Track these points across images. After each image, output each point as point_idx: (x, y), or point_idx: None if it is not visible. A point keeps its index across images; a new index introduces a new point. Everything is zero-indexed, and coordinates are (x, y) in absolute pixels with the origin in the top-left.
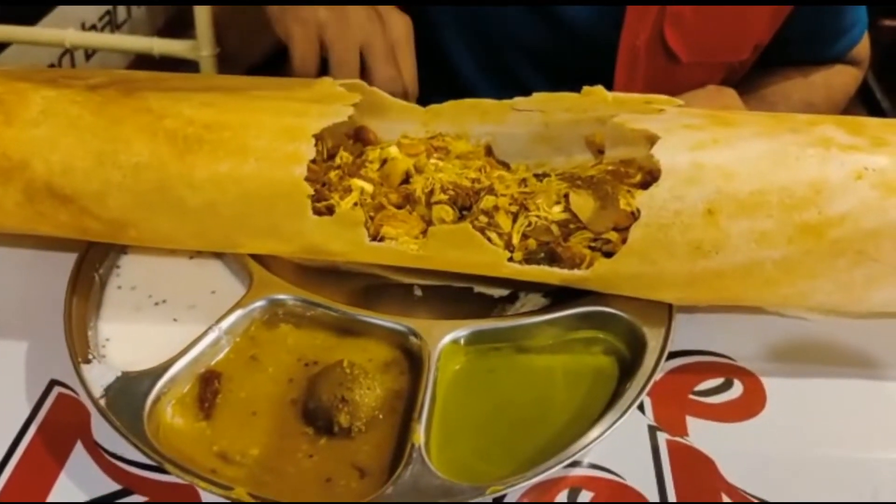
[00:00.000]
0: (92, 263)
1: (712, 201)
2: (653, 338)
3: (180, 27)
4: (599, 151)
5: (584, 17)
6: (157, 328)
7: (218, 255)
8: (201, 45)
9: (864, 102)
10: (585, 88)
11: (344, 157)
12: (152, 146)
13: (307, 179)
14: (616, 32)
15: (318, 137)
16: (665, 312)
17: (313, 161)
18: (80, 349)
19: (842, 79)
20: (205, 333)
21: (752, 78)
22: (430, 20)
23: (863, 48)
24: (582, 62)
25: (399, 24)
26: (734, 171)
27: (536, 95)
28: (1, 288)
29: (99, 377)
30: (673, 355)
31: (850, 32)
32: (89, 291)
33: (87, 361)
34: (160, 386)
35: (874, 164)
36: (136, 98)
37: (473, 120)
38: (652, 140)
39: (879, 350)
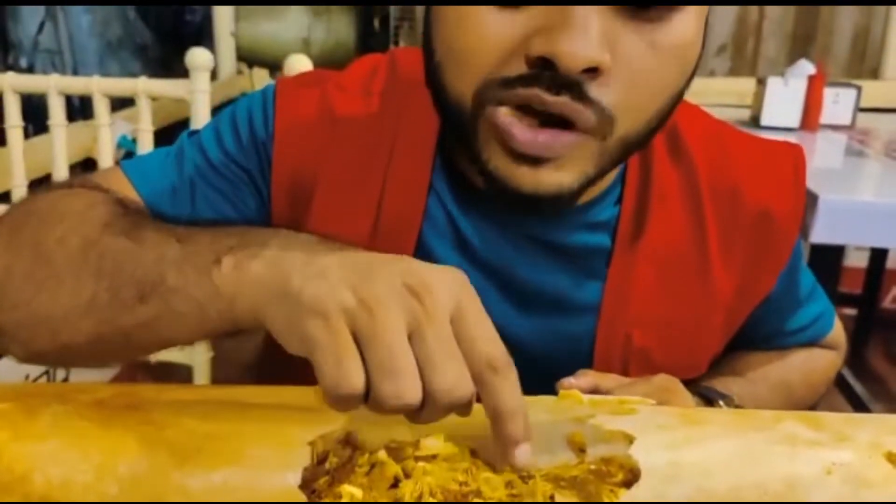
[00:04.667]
0: None
1: (694, 498)
2: None
3: None
4: (581, 450)
5: (553, 361)
6: None
7: None
8: (196, 350)
9: (839, 388)
10: (562, 392)
11: (333, 462)
12: (152, 457)
13: (301, 486)
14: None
15: (311, 444)
16: None
17: (305, 468)
18: None
19: (821, 363)
20: None
21: (731, 358)
22: None
23: (837, 335)
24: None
25: (448, 290)
26: (710, 469)
27: None
28: None
29: None
30: None
31: (815, 325)
32: None
33: None
34: None
35: (840, 459)
36: (139, 410)
37: (458, 422)
38: (630, 439)
39: None
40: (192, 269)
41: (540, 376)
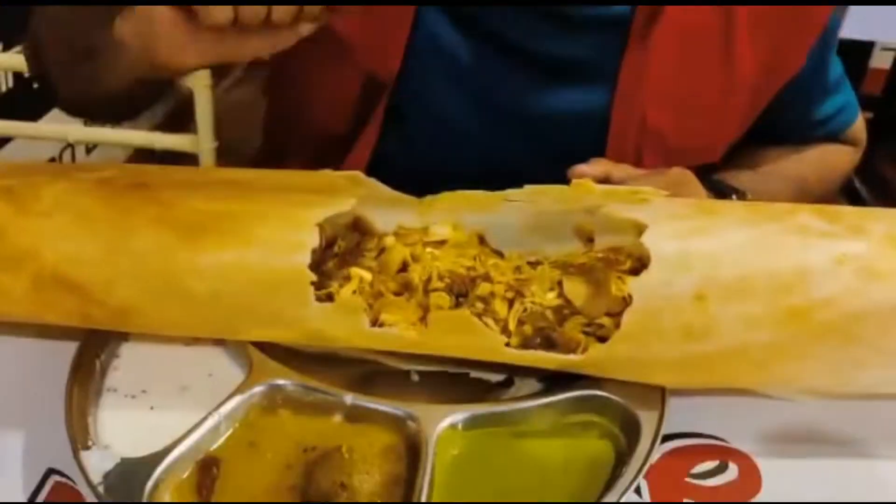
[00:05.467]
0: (93, 351)
1: (701, 287)
2: (647, 421)
3: (180, 121)
4: (589, 240)
5: (566, 138)
6: (155, 415)
7: (216, 342)
8: (202, 139)
9: (844, 191)
10: (574, 181)
11: (342, 246)
12: (160, 235)
13: (310, 268)
14: (600, 150)
15: (319, 227)
16: (658, 396)
17: (314, 250)
18: (79, 436)
19: (836, 157)
20: (204, 419)
21: (746, 152)
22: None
23: (858, 130)
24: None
25: None
26: (720, 257)
27: (527, 187)
28: None
29: (98, 464)
30: (667, 438)
31: (837, 118)
32: (90, 379)
33: (87, 448)
34: (159, 472)
35: (853, 250)
36: (145, 190)
37: (467, 210)
38: (640, 229)
39: (869, 431)
40: (103, 30)
41: (554, 157)
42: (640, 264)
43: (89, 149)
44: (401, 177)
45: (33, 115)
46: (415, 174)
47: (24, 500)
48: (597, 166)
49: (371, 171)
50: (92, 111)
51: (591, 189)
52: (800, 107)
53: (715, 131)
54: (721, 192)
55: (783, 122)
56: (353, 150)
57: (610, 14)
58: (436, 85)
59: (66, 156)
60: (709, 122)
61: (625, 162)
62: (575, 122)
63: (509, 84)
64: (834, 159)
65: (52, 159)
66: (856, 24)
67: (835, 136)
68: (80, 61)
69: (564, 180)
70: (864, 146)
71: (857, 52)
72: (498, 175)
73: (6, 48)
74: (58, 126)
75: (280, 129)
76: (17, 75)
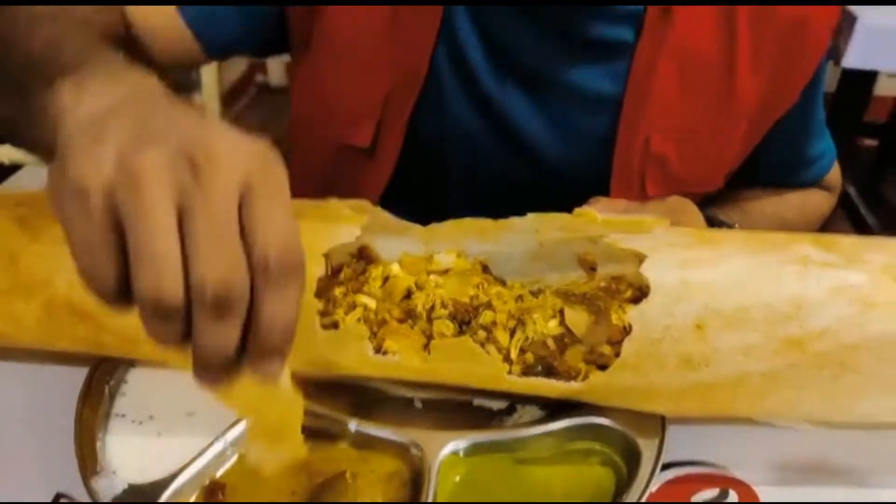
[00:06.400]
0: (102, 377)
1: (700, 316)
2: (647, 448)
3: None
4: (591, 269)
5: (572, 162)
6: (162, 440)
7: None
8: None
9: (850, 218)
10: (576, 210)
11: (347, 273)
12: None
13: (315, 296)
14: (605, 174)
15: (325, 256)
16: (658, 424)
17: (320, 279)
18: (88, 461)
19: (815, 199)
20: (210, 445)
21: (729, 189)
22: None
23: (834, 176)
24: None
25: (238, 165)
26: (719, 287)
27: (530, 216)
28: (8, 402)
29: (106, 488)
30: (667, 466)
31: (819, 162)
32: (99, 404)
33: (96, 473)
34: (166, 497)
35: (850, 280)
36: None
37: (470, 238)
38: (641, 258)
39: (870, 460)
40: (38, 81)
41: (560, 182)
42: (640, 293)
43: None
44: (420, 184)
45: None
46: (431, 181)
47: None
48: (596, 204)
49: (392, 181)
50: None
51: (593, 218)
52: (793, 144)
53: (716, 160)
54: (713, 225)
55: (775, 160)
56: (374, 160)
57: (616, 39)
58: (454, 97)
59: None
60: (710, 151)
61: (630, 189)
62: (582, 147)
63: (519, 108)
64: (813, 202)
65: None
66: (860, 54)
67: (818, 179)
68: None
69: (570, 205)
70: (839, 191)
71: (862, 81)
72: (506, 199)
73: None
74: None
75: (303, 139)
76: None
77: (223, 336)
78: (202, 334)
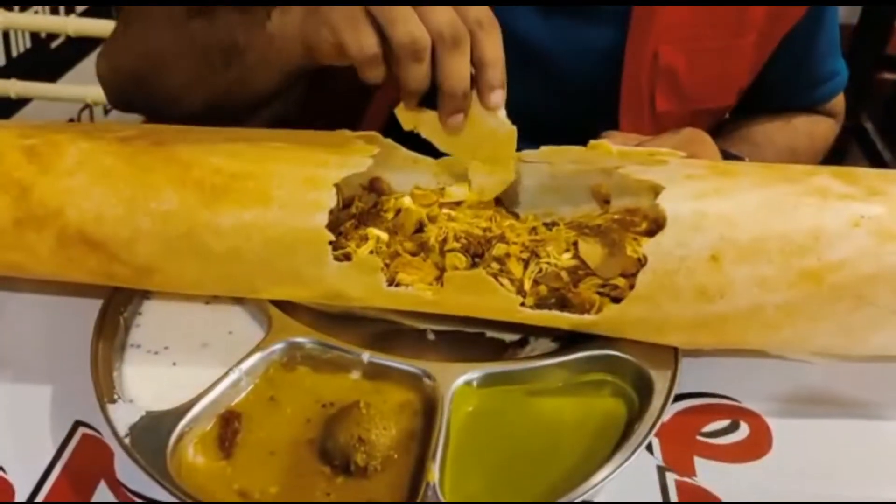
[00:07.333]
0: (117, 308)
1: (716, 248)
2: (660, 380)
3: None
4: (605, 201)
5: (581, 76)
6: (178, 370)
7: (236, 300)
8: None
9: (866, 154)
10: (591, 143)
11: (359, 206)
12: (181, 194)
13: (327, 227)
14: (614, 89)
15: (336, 187)
16: (671, 356)
17: (331, 210)
18: (105, 390)
19: (822, 128)
20: (225, 375)
21: (736, 121)
22: None
23: (839, 102)
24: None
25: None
26: (736, 219)
27: (544, 148)
28: (27, 333)
29: (124, 416)
30: (680, 397)
31: (830, 82)
32: (114, 335)
33: (113, 401)
34: (182, 425)
35: (869, 212)
36: (165, 149)
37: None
38: (656, 190)
39: (879, 393)
40: (253, 28)
41: (570, 96)
42: (655, 226)
43: (107, 109)
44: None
45: (51, 76)
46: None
47: (53, 452)
48: (611, 138)
49: (389, 125)
50: (227, 115)
51: (608, 150)
52: (802, 60)
53: (726, 74)
54: (726, 158)
55: (785, 78)
56: (372, 101)
57: None
58: None
59: (85, 116)
60: (719, 63)
61: (640, 105)
62: (591, 61)
63: (527, 23)
64: (820, 129)
65: (71, 120)
66: None
67: (829, 98)
68: (217, 69)
69: (580, 121)
70: (842, 119)
71: (884, 13)
72: (515, 117)
73: (23, 9)
74: (76, 87)
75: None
76: (34, 36)
77: (462, 65)
78: (447, 66)
